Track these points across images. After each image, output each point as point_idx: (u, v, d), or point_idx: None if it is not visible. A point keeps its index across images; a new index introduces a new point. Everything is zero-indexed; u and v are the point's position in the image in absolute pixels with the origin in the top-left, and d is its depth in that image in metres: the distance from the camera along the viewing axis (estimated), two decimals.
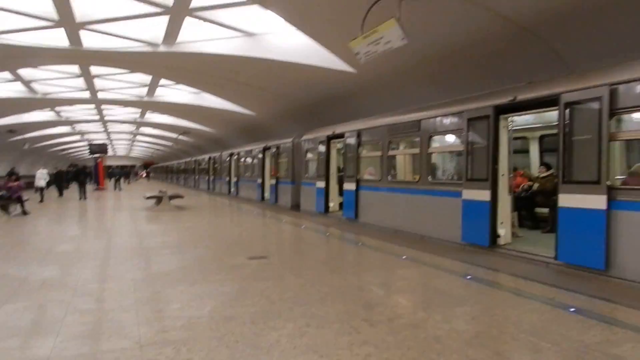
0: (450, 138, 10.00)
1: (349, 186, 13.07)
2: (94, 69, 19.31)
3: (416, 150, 10.46)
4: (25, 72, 19.61)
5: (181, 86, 22.71)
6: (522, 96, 7.70)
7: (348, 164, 13.34)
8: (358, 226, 12.13)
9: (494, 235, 8.24)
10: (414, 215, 10.42)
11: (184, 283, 5.92)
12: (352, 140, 13.06)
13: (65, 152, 59.70)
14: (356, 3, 9.13)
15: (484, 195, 8.25)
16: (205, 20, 13.18)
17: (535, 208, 10.42)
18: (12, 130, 30.98)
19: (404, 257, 7.69)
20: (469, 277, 6.32)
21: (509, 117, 8.26)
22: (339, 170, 15.05)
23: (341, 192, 14.49)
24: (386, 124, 11.52)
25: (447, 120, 9.49)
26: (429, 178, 9.95)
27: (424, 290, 5.73)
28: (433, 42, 10.29)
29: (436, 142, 10.19)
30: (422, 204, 10.11)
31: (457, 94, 9.97)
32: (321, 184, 14.84)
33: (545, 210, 10.05)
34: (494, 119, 8.14)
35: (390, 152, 11.45)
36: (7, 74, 19.42)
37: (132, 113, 32.60)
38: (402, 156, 11.97)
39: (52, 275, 6.62)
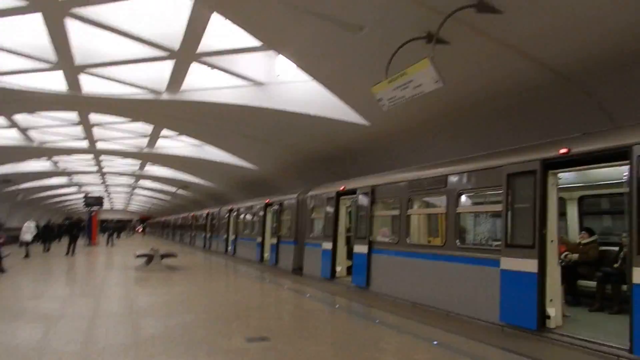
0: (484, 196, 8.71)
1: (360, 249, 11.67)
2: (93, 117, 18.44)
3: (442, 210, 9.18)
4: (21, 118, 18.74)
5: (183, 137, 21.88)
6: (579, 149, 6.52)
7: (360, 224, 12.01)
8: (370, 296, 10.63)
9: (543, 316, 6.80)
10: (438, 286, 8.95)
11: None
12: (364, 197, 11.81)
13: (62, 204, 58.51)
14: (378, 47, 8.24)
15: (530, 265, 6.88)
16: (212, 67, 12.36)
17: (577, 280, 9.00)
18: (7, 180, 29.88)
19: (434, 342, 6.24)
20: None
21: (559, 172, 7.06)
22: (348, 230, 13.73)
23: (349, 254, 13.12)
24: (406, 179, 10.30)
25: (480, 176, 8.27)
26: (457, 242, 8.59)
27: None
28: (460, 90, 9.26)
29: (466, 201, 8.92)
30: (449, 273, 8.67)
31: (485, 148, 8.83)
32: (328, 245, 13.42)
33: (589, 283, 8.68)
34: (541, 175, 6.93)
35: (410, 211, 10.17)
36: (2, 120, 18.54)
37: (132, 165, 31.68)
38: (424, 216, 10.63)
39: None
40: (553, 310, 6.83)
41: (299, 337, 6.65)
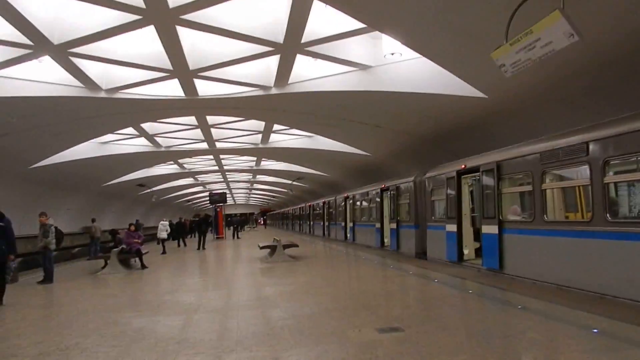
0: (637, 162, 7.50)
1: (489, 229, 10.88)
2: (210, 119, 19.43)
3: (584, 181, 8.15)
4: (147, 126, 20.30)
5: (294, 131, 22.27)
6: None
7: (486, 203, 11.19)
8: (506, 280, 9.85)
9: None
10: (587, 266, 7.99)
11: None
12: (489, 175, 10.97)
13: (190, 202, 63.29)
14: (493, 10, 7.47)
15: None
16: (317, 56, 12.28)
17: None
18: (142, 184, 32.91)
19: (594, 330, 5.46)
20: None
21: None
22: (472, 210, 12.92)
23: (476, 236, 12.35)
24: (537, 151, 9.32)
25: (630, 140, 7.16)
26: (608, 216, 7.56)
27: None
28: (597, 46, 8.11)
29: (615, 169, 7.79)
30: (600, 251, 7.69)
31: (633, 108, 7.63)
32: (452, 227, 12.75)
33: None
34: None
35: (545, 186, 9.19)
36: (131, 130, 20.26)
37: (249, 161, 33.10)
38: (561, 190, 9.55)
39: None
40: None
41: (433, 327, 6.22)
